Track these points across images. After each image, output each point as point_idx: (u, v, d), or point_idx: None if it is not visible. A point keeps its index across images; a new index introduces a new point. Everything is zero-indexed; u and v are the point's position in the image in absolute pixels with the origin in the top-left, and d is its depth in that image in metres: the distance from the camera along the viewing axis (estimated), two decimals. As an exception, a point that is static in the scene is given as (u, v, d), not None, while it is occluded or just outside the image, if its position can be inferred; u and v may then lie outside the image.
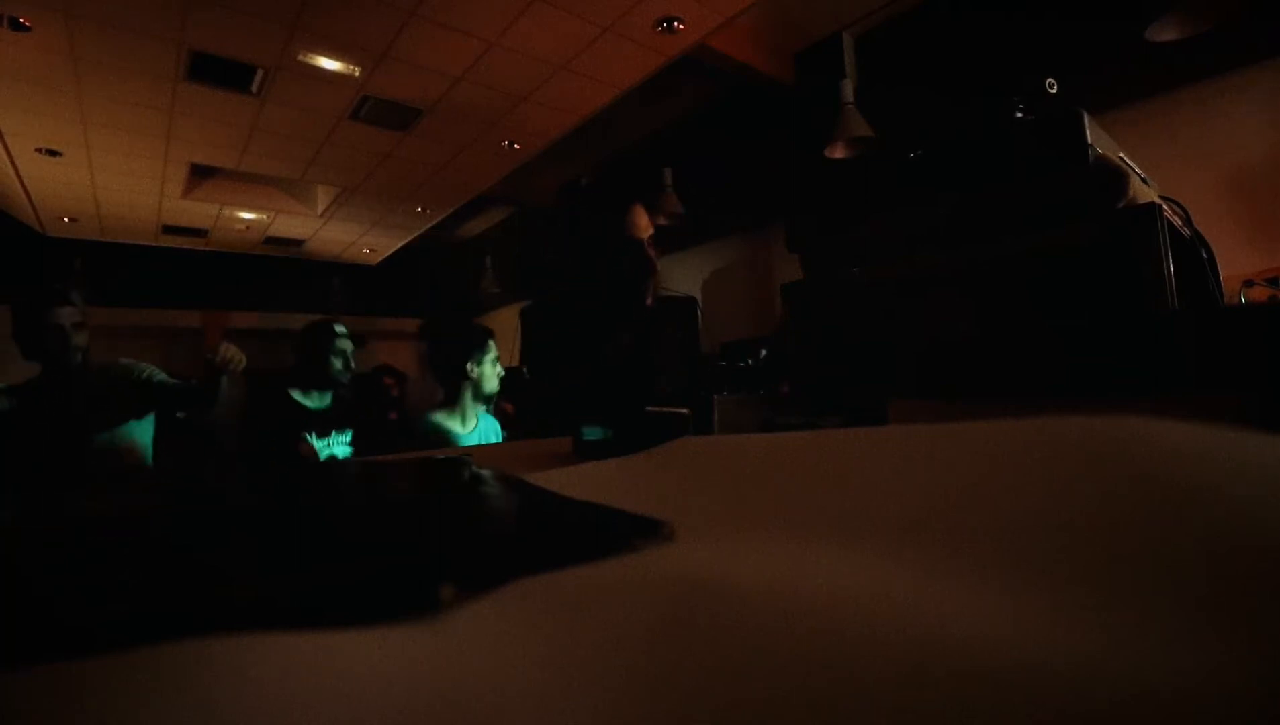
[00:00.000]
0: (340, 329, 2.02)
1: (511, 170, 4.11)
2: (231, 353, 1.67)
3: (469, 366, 1.77)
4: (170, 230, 5.17)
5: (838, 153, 2.70)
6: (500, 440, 1.92)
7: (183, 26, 2.51)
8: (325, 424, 1.92)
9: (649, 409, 0.56)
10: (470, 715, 0.12)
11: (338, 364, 1.95)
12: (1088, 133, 0.74)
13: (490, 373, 1.81)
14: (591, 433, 0.55)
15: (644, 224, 0.88)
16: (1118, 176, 0.71)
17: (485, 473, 0.45)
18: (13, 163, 3.68)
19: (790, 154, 3.22)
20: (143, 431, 1.72)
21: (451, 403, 1.81)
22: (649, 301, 0.84)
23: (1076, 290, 0.66)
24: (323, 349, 1.95)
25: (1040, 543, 0.18)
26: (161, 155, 3.70)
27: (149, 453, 1.73)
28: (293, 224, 5.22)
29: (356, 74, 2.91)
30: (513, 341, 3.99)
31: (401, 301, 7.02)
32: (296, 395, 1.93)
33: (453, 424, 1.79)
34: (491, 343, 1.83)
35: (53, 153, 3.58)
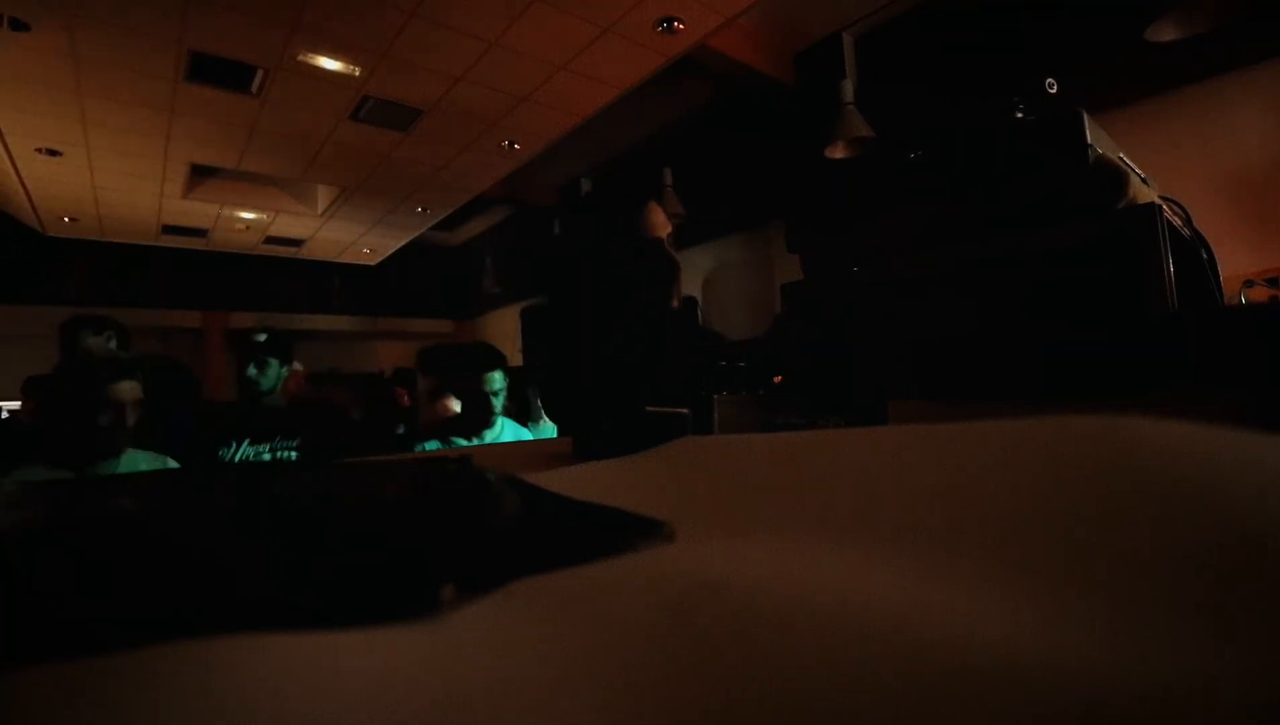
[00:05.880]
0: (258, 337, 1.93)
1: (511, 170, 4.11)
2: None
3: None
4: (170, 230, 5.16)
5: (838, 153, 2.70)
6: (513, 436, 1.95)
7: (183, 26, 2.51)
8: (264, 431, 1.87)
9: (649, 409, 0.56)
10: (470, 715, 0.12)
11: (251, 370, 1.89)
12: (1088, 133, 0.74)
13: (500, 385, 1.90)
14: (592, 432, 0.55)
15: (661, 221, 0.86)
16: (1118, 176, 0.71)
17: (485, 473, 0.45)
18: (13, 163, 3.68)
19: (790, 154, 3.23)
20: None
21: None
22: (676, 302, 0.82)
23: (1076, 290, 0.66)
24: (245, 360, 1.91)
25: (1040, 543, 0.18)
26: (161, 155, 3.70)
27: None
28: (293, 224, 5.22)
29: (356, 74, 2.91)
30: (513, 342, 3.99)
31: (401, 302, 7.03)
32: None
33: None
34: (494, 370, 1.88)
35: (53, 153, 3.58)
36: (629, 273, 0.79)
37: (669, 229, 0.87)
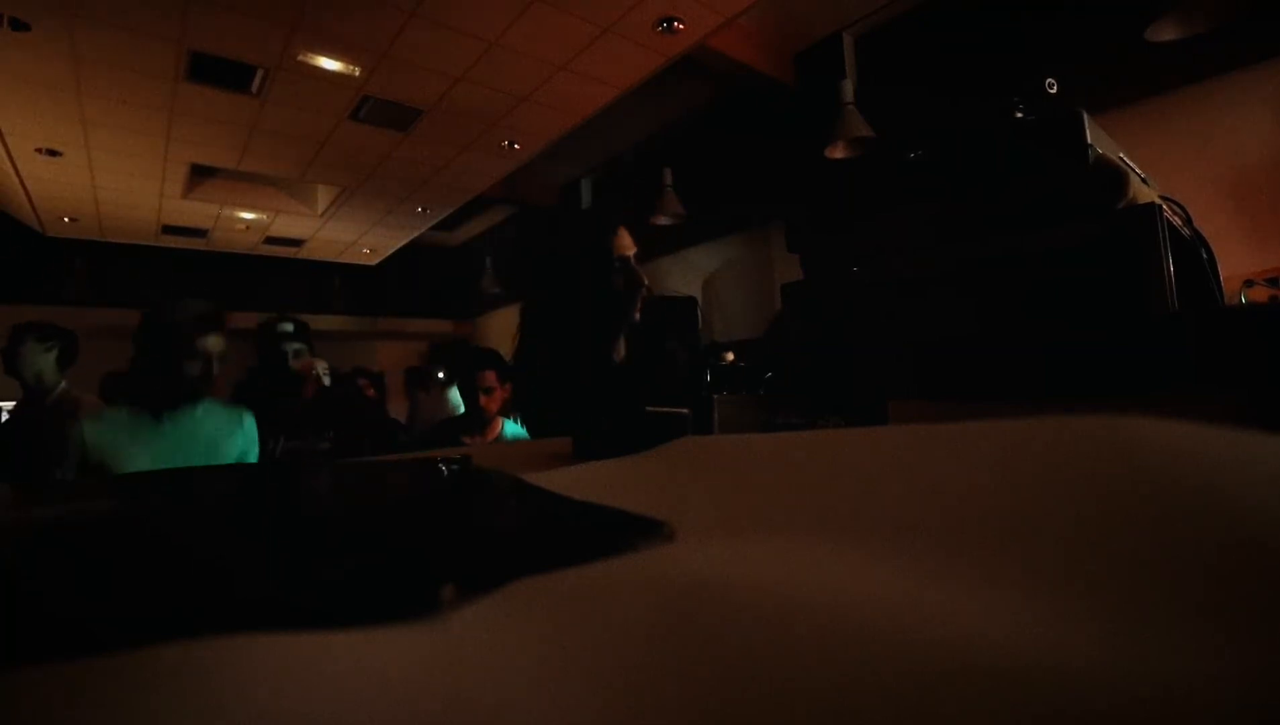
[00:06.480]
0: (284, 327, 1.87)
1: (511, 170, 4.11)
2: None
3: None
4: (170, 230, 5.16)
5: (838, 153, 2.70)
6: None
7: (183, 26, 2.51)
8: (295, 425, 1.82)
9: (649, 409, 0.56)
10: (470, 715, 0.12)
11: (276, 364, 1.85)
12: (1088, 133, 0.74)
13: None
14: (592, 432, 0.55)
15: (628, 243, 0.93)
16: (1118, 176, 0.71)
17: (485, 473, 0.45)
18: (13, 163, 3.68)
19: (790, 154, 3.22)
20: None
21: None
22: (635, 315, 0.87)
23: (1076, 290, 0.66)
24: (263, 352, 1.86)
25: (1040, 543, 0.18)
26: (161, 155, 3.70)
27: None
28: (293, 224, 5.22)
29: (356, 74, 2.91)
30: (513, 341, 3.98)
31: (401, 302, 7.03)
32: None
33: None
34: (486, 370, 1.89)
35: (53, 153, 3.58)
36: (597, 287, 0.84)
37: (634, 250, 0.93)
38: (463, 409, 1.98)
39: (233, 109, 3.18)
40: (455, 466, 0.49)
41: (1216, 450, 0.20)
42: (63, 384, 2.19)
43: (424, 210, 4.86)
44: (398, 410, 4.34)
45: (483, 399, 1.86)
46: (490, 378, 1.88)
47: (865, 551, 0.19)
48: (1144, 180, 0.81)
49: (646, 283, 0.90)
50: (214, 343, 1.40)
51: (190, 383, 1.37)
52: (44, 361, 2.14)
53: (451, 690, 0.13)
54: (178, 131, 3.41)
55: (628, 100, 3.27)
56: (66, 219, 4.72)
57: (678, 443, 0.39)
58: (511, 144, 3.71)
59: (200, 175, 4.26)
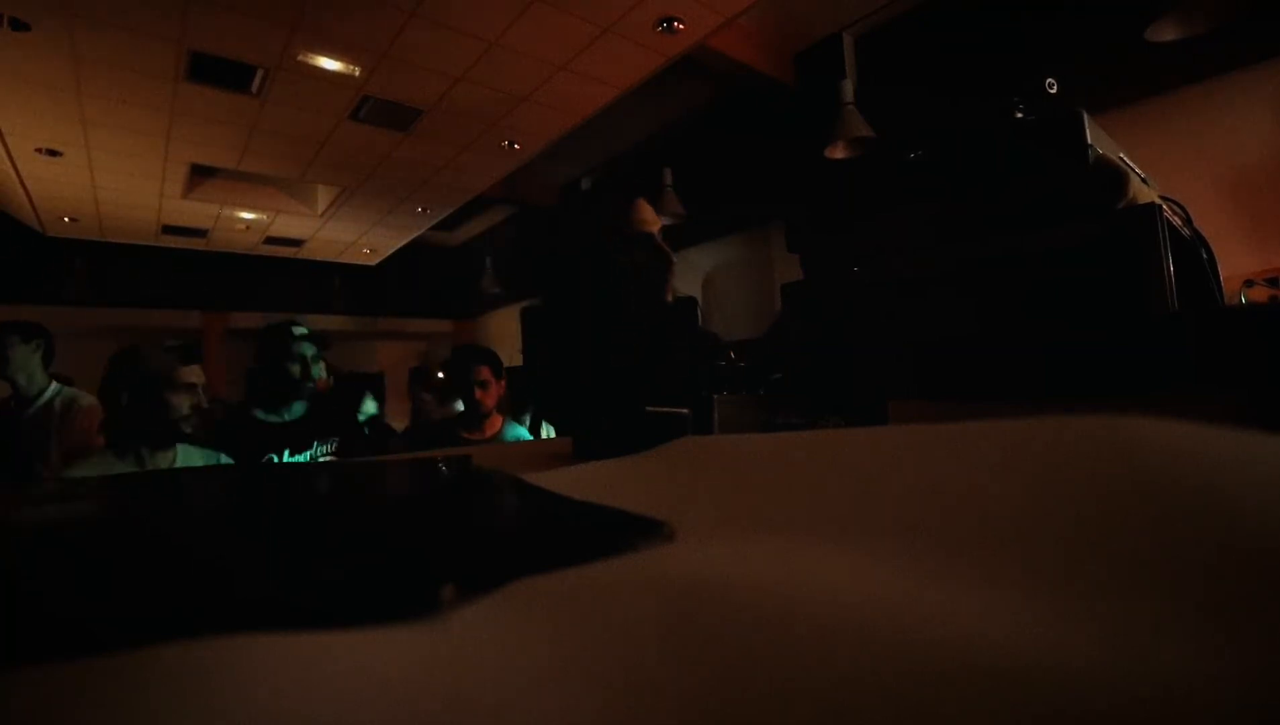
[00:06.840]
0: (299, 330, 1.78)
1: (511, 170, 4.11)
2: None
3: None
4: (170, 230, 5.16)
5: (838, 153, 2.69)
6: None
7: (183, 26, 2.51)
8: (301, 437, 1.75)
9: (649, 409, 0.56)
10: (470, 715, 0.12)
11: (295, 370, 1.73)
12: (1088, 133, 0.74)
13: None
14: (592, 432, 0.55)
15: (651, 218, 0.86)
16: (1118, 176, 0.71)
17: (485, 473, 0.45)
18: (13, 163, 3.68)
19: (790, 154, 3.22)
20: None
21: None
22: (669, 296, 0.82)
23: (1076, 290, 0.66)
24: (278, 354, 1.75)
25: (1040, 543, 0.18)
26: (161, 155, 3.69)
27: None
28: (293, 224, 5.22)
29: (356, 74, 2.91)
30: (515, 342, 3.99)
31: (401, 302, 7.03)
32: (260, 414, 1.73)
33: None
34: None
35: (53, 153, 3.57)
36: (621, 268, 0.79)
37: (659, 224, 0.87)
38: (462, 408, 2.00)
39: (233, 109, 3.17)
40: (455, 466, 0.49)
41: (1216, 450, 0.20)
42: (54, 384, 2.16)
43: (424, 210, 4.86)
44: (400, 411, 4.32)
45: (478, 393, 1.88)
46: (484, 372, 1.89)
47: (865, 551, 0.19)
48: (1144, 180, 0.81)
49: (674, 260, 0.85)
50: (187, 374, 1.39)
51: (170, 423, 1.36)
52: (34, 362, 2.11)
53: (451, 690, 0.13)
54: (178, 131, 3.41)
55: (628, 100, 3.27)
56: (66, 219, 4.71)
57: (678, 443, 0.39)
58: (511, 144, 3.70)
59: (200, 175, 4.25)
